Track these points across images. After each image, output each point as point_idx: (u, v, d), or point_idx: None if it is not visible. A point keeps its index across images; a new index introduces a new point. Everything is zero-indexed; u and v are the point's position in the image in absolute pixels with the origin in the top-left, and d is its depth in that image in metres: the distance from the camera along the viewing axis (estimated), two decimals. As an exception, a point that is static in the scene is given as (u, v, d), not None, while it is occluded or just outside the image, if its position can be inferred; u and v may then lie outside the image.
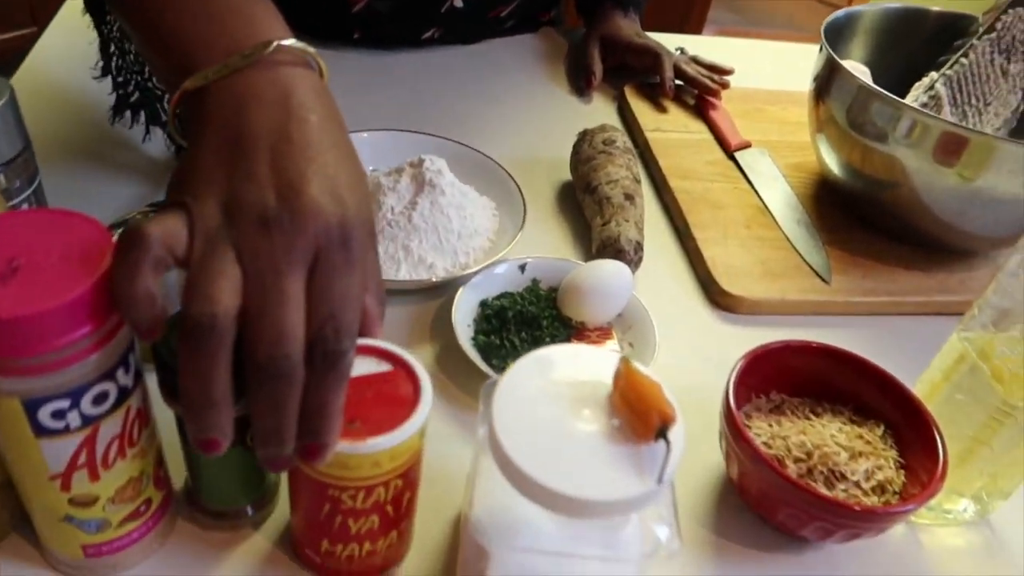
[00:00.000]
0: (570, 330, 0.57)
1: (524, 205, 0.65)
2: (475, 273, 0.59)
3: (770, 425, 0.50)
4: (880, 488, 0.47)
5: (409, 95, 0.84)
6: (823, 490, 0.46)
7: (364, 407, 0.37)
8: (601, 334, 0.58)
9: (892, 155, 0.64)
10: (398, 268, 0.60)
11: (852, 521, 0.44)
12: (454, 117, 0.81)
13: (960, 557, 0.50)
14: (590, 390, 0.37)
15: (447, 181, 0.63)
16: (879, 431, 0.50)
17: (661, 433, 0.35)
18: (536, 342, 0.56)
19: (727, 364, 0.50)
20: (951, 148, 0.61)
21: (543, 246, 0.67)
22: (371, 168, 0.68)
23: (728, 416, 0.47)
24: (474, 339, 0.56)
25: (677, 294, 0.65)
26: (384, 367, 0.39)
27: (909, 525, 0.51)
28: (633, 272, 0.63)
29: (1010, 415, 0.44)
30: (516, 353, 0.55)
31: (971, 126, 0.69)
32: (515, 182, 0.67)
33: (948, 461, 0.45)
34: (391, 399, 0.38)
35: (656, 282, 0.66)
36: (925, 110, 0.67)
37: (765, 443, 0.48)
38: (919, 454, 0.47)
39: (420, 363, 0.40)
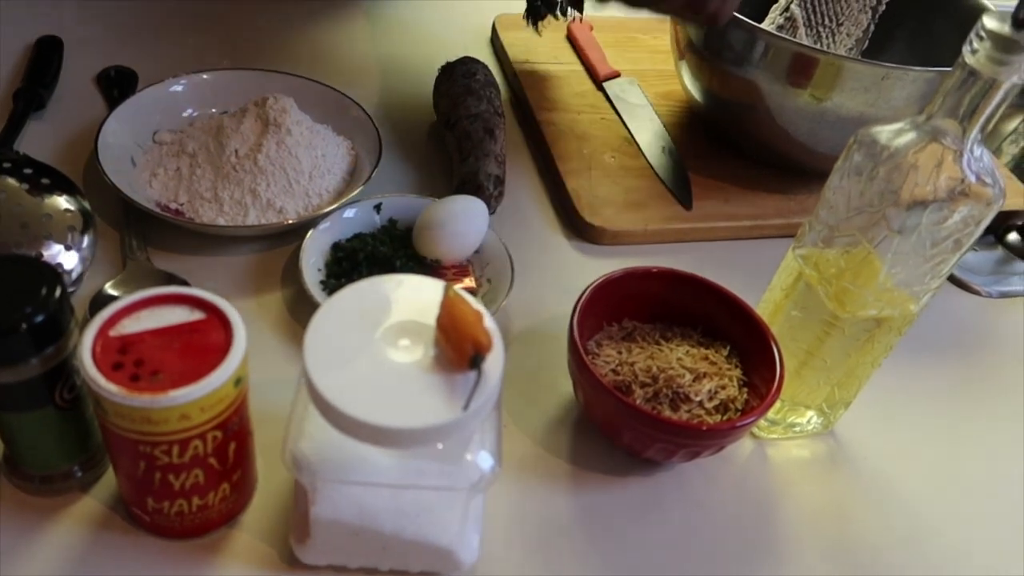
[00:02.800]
0: (426, 269, 0.56)
1: (380, 143, 0.63)
2: (326, 215, 0.57)
3: (619, 352, 0.50)
4: (723, 407, 0.48)
5: (265, 32, 0.80)
6: (668, 412, 0.47)
7: (170, 358, 0.35)
8: (458, 272, 0.57)
9: (748, 79, 0.64)
10: (245, 213, 0.58)
11: (689, 439, 0.45)
12: (313, 55, 0.78)
13: (805, 467, 0.52)
14: (413, 320, 0.36)
15: (294, 120, 0.60)
16: (725, 352, 0.51)
17: (474, 362, 0.34)
18: (390, 283, 0.55)
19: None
20: (802, 69, 0.61)
21: (408, 185, 0.65)
22: (214, 109, 0.64)
23: (572, 345, 0.47)
24: (324, 283, 0.54)
25: (541, 228, 0.65)
26: (196, 315, 0.38)
27: (758, 440, 0.52)
28: (494, 207, 0.62)
29: (836, 326, 0.45)
30: (368, 295, 0.54)
31: (825, 47, 0.69)
32: (371, 119, 0.65)
33: (784, 376, 0.46)
34: (201, 349, 0.36)
35: (520, 217, 0.65)
36: (779, 33, 0.67)
37: (613, 370, 0.48)
38: (761, 371, 0.48)
39: (244, 309, 0.38)
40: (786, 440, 0.53)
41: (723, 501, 0.49)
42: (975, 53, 0.37)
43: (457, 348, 0.34)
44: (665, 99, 0.78)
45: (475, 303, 0.37)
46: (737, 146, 0.72)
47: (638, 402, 0.47)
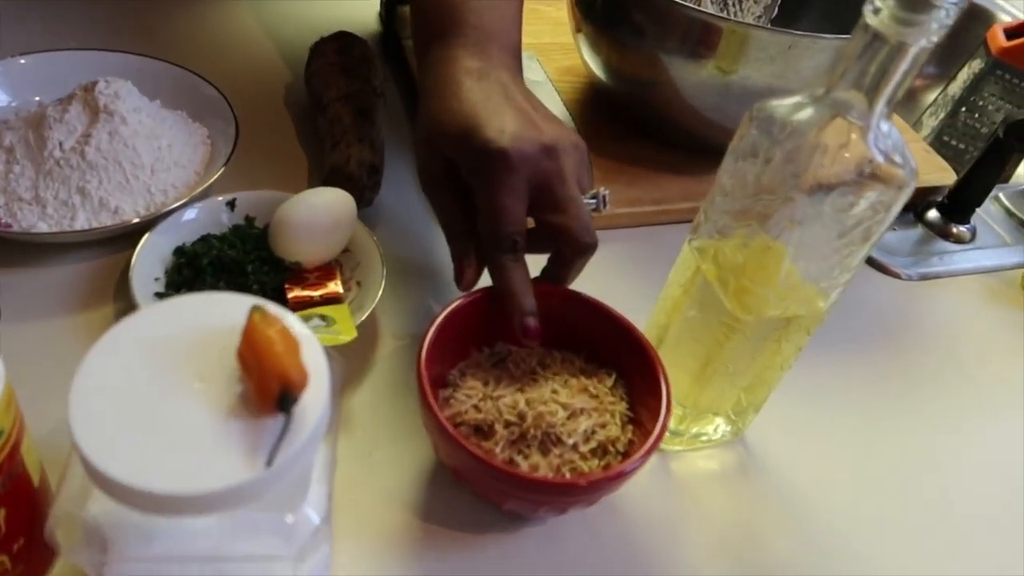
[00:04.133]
0: (283, 274, 0.49)
1: (237, 129, 0.55)
2: (168, 214, 0.50)
3: (485, 384, 0.42)
4: (601, 449, 0.41)
5: (120, 11, 0.71)
6: (536, 457, 0.40)
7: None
8: (322, 275, 0.50)
9: (650, 51, 0.58)
10: (73, 216, 0.50)
11: (544, 496, 0.38)
12: (174, 35, 0.69)
13: (713, 481, 0.47)
14: (217, 350, 0.30)
15: (130, 106, 0.52)
16: (609, 381, 0.44)
17: (282, 403, 0.27)
18: (241, 292, 0.47)
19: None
20: (705, 39, 0.56)
21: (273, 178, 0.58)
22: (38, 98, 0.56)
23: (417, 379, 0.39)
24: (162, 295, 0.47)
25: (424, 223, 0.58)
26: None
27: (660, 453, 0.47)
28: (368, 199, 0.55)
29: (737, 329, 0.39)
30: (214, 307, 0.46)
31: (731, 15, 0.64)
32: (227, 101, 0.57)
33: (670, 415, 0.40)
34: (-56, 395, 0.29)
35: (400, 210, 0.58)
36: (681, 1, 0.62)
37: (476, 406, 0.41)
38: (648, 404, 0.42)
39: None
40: (692, 452, 0.48)
41: (623, 524, 0.43)
42: (878, 13, 0.32)
43: (261, 386, 0.28)
44: (567, 74, 0.72)
45: (297, 326, 0.30)
46: (642, 125, 0.66)
47: (499, 446, 0.40)
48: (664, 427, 0.39)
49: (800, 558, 0.44)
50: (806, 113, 0.35)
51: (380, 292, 0.48)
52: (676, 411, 0.45)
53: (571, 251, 0.43)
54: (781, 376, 0.44)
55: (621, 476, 0.38)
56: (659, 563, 0.42)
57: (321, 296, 0.48)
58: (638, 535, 0.43)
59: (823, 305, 0.39)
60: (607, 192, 0.47)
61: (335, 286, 0.49)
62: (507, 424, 0.40)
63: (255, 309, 0.29)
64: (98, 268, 0.50)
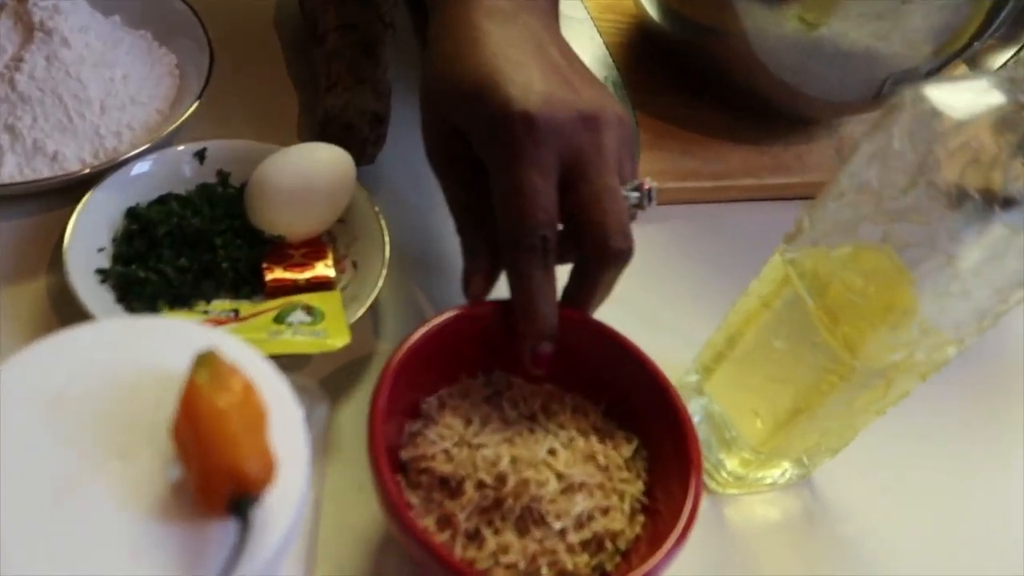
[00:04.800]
0: (261, 248, 0.40)
1: (211, 58, 0.45)
2: (120, 165, 0.40)
3: (468, 423, 0.33)
4: (596, 543, 0.31)
5: None
6: (510, 535, 0.30)
7: None
8: (310, 252, 0.40)
9: (720, -9, 0.48)
10: (0, 160, 0.40)
11: None
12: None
13: (774, 531, 0.39)
14: (149, 411, 0.21)
15: (73, 25, 0.42)
16: (627, 451, 0.33)
17: (235, 507, 0.19)
18: (207, 271, 0.38)
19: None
20: (791, -18, 0.45)
21: (256, 124, 0.47)
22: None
23: (370, 412, 0.30)
24: (106, 272, 0.37)
25: (437, 188, 0.48)
26: None
27: (712, 496, 0.39)
28: (371, 156, 0.46)
29: (844, 376, 0.30)
30: (172, 292, 0.37)
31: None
32: (201, 22, 0.46)
33: (695, 517, 0.30)
34: None
35: (409, 171, 0.48)
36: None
37: (447, 452, 0.31)
38: (669, 488, 0.32)
39: None
40: (750, 495, 0.40)
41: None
42: None
43: (205, 482, 0.19)
44: (611, 12, 0.61)
45: (265, 376, 0.21)
46: (700, 79, 0.56)
47: (465, 511, 0.30)
48: (684, 538, 0.30)
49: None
50: (987, 101, 0.25)
51: (382, 279, 0.39)
52: (744, 455, 0.37)
53: (597, 259, 0.33)
54: (873, 421, 0.36)
55: None
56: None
57: (307, 280, 0.39)
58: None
59: (952, 352, 0.31)
60: (655, 185, 0.35)
61: (325, 268, 0.40)
62: (480, 485, 0.30)
63: (200, 362, 0.20)
64: (29, 230, 0.40)
